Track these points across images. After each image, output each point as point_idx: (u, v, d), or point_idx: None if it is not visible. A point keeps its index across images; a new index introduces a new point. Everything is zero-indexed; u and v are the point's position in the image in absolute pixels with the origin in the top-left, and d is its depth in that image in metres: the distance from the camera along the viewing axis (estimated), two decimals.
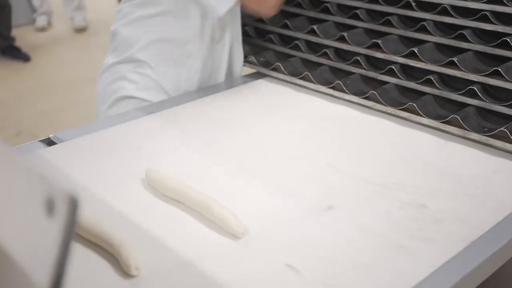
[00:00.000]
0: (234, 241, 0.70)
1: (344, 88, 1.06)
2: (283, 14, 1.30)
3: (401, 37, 1.10)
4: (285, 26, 1.23)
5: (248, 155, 0.91)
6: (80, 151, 0.93)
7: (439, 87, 0.98)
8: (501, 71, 0.92)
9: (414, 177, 0.83)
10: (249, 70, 1.25)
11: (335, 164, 0.87)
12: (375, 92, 1.02)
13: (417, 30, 1.07)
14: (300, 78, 1.14)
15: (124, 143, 0.95)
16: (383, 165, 0.87)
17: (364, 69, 1.09)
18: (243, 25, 1.31)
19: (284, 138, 0.96)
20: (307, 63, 1.19)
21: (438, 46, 1.05)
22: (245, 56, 1.26)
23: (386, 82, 1.06)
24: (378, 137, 0.96)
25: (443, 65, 0.99)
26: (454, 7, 1.04)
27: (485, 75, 0.94)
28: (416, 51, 1.02)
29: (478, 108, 0.95)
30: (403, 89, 1.05)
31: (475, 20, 1.01)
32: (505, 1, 0.97)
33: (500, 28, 0.98)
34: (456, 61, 0.97)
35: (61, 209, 0.32)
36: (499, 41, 0.96)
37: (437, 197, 0.78)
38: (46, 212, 0.33)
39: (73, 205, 0.31)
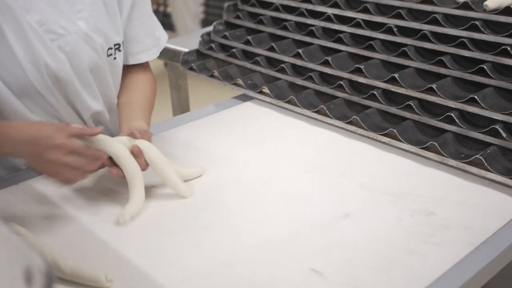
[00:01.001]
0: (262, 248, 0.77)
1: (328, 113, 1.09)
2: (270, 37, 1.33)
3: (384, 62, 1.12)
4: (272, 49, 1.26)
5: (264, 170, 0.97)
6: None
7: (419, 113, 1.01)
8: (477, 99, 0.94)
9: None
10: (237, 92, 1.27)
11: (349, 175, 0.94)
12: (358, 117, 1.04)
13: (399, 55, 1.10)
14: (286, 102, 1.17)
15: None
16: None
17: (348, 93, 1.11)
18: (233, 47, 1.34)
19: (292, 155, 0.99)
20: (293, 86, 1.22)
21: (419, 71, 1.07)
22: (233, 78, 1.28)
23: (369, 107, 1.09)
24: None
25: (423, 91, 1.01)
26: (434, 33, 1.07)
27: (463, 102, 0.96)
28: (396, 77, 1.04)
29: (456, 134, 0.97)
30: (385, 114, 1.07)
31: (454, 46, 1.03)
32: (482, 29, 1.00)
33: (477, 55, 1.00)
34: (435, 88, 0.99)
35: (38, 281, 0.34)
36: (477, 67, 0.99)
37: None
38: (25, 282, 0.35)
39: (49, 278, 0.34)
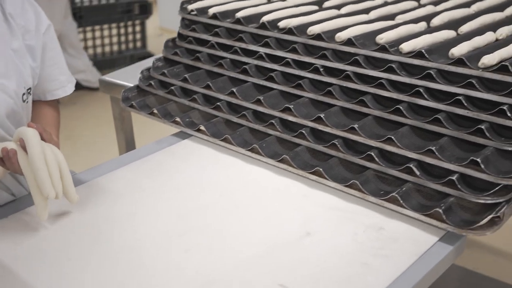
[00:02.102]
0: (238, 268, 0.86)
1: (260, 151, 1.15)
2: (207, 74, 1.38)
3: (312, 100, 1.19)
4: (209, 87, 1.31)
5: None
6: None
7: (343, 151, 1.08)
8: (394, 139, 1.01)
9: None
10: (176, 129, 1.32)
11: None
12: (287, 156, 1.10)
13: (326, 94, 1.17)
14: (222, 140, 1.22)
15: None
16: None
17: (279, 131, 1.17)
18: (172, 84, 1.38)
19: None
20: (230, 123, 1.27)
21: (344, 110, 1.14)
22: (172, 116, 1.33)
23: (300, 144, 1.15)
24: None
25: (346, 130, 1.08)
26: (356, 74, 1.14)
27: (382, 141, 1.04)
28: (322, 117, 1.11)
29: (376, 171, 1.04)
30: (314, 151, 1.13)
31: (374, 86, 1.11)
32: (396, 69, 1.08)
33: (394, 95, 1.08)
34: (356, 128, 1.06)
35: None
36: (394, 107, 1.07)
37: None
38: None
39: None
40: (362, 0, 1.54)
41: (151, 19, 4.35)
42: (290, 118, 1.17)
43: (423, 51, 1.06)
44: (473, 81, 0.99)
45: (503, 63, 0.98)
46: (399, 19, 1.36)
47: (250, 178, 1.13)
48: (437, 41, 1.16)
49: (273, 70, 1.26)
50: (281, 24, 1.28)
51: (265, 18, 1.33)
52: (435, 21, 1.32)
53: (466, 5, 1.50)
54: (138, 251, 0.92)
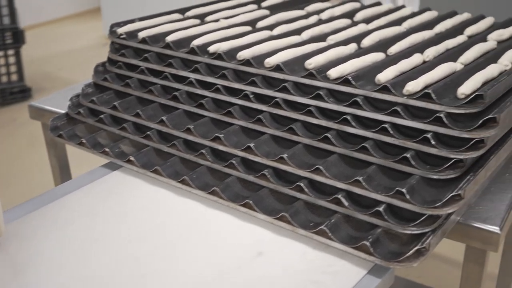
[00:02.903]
0: None
1: (190, 183, 1.12)
2: (138, 100, 1.34)
3: (244, 128, 1.17)
4: (139, 115, 1.27)
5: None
6: None
7: (273, 181, 1.06)
8: (322, 169, 1.00)
9: None
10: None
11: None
12: (217, 188, 1.08)
13: (256, 122, 1.15)
14: (152, 171, 1.18)
15: None
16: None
17: (209, 161, 1.15)
18: (101, 112, 1.34)
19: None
20: (161, 153, 1.24)
21: (275, 138, 1.13)
22: (103, 146, 1.28)
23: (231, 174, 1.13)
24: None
25: (276, 160, 1.07)
26: (285, 101, 1.13)
27: (311, 171, 1.02)
28: (251, 146, 1.09)
29: (306, 202, 1.03)
30: (246, 182, 1.11)
31: (304, 114, 1.09)
32: (325, 98, 1.07)
33: (323, 122, 1.07)
34: (285, 157, 1.05)
35: None
36: (323, 136, 1.06)
37: None
38: None
39: None
40: (296, 19, 1.53)
41: (94, 27, 4.26)
42: (221, 148, 1.14)
43: (349, 78, 1.06)
44: (398, 109, 0.99)
45: (426, 90, 0.98)
46: (331, 39, 1.35)
47: (181, 210, 1.09)
48: (365, 65, 1.16)
49: (204, 97, 1.23)
50: (211, 49, 1.26)
51: (195, 43, 1.30)
52: (366, 42, 1.32)
53: (398, 22, 1.51)
54: None
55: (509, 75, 1.06)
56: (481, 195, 1.07)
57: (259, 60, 1.19)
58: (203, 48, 1.27)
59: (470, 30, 1.43)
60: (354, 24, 1.50)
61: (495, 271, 1.67)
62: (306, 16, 1.58)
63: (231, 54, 1.23)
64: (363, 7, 1.72)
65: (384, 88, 1.03)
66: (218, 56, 1.23)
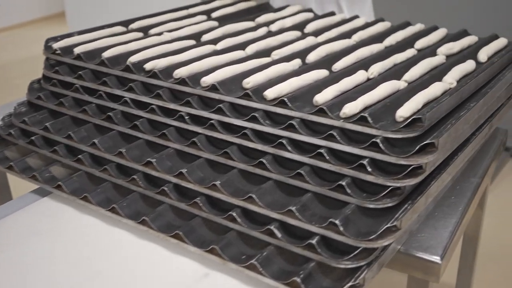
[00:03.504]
0: None
1: (120, 211, 1.05)
2: (73, 121, 1.27)
3: (179, 152, 1.11)
4: (71, 137, 1.20)
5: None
6: None
7: (206, 210, 1.00)
8: (254, 198, 0.94)
9: None
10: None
11: None
12: (147, 218, 1.01)
13: (191, 145, 1.08)
14: (82, 198, 1.11)
15: None
16: None
17: (142, 187, 1.08)
18: (33, 133, 1.26)
19: None
20: (94, 178, 1.17)
21: (210, 162, 1.07)
22: (33, 170, 1.21)
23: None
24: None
25: (209, 187, 1.00)
26: (221, 123, 1.07)
27: (244, 199, 0.96)
28: (184, 172, 1.03)
29: (240, 232, 0.97)
30: (179, 211, 1.05)
31: (240, 137, 1.04)
32: (261, 121, 1.01)
33: (259, 146, 1.01)
34: (218, 184, 0.99)
35: None
36: (258, 161, 1.00)
37: None
38: None
39: None
40: (243, 32, 1.48)
41: (60, 32, 4.17)
42: (153, 173, 1.08)
43: (285, 99, 1.00)
44: (334, 133, 0.94)
45: (362, 114, 0.93)
46: (275, 54, 1.30)
47: (110, 240, 1.03)
48: (305, 84, 1.11)
49: (140, 117, 1.17)
50: (147, 66, 1.19)
51: (131, 59, 1.24)
52: (311, 57, 1.27)
53: (349, 34, 1.46)
54: None
55: (451, 95, 1.01)
56: (425, 221, 1.03)
57: (195, 78, 1.13)
58: (139, 66, 1.20)
59: (421, 43, 1.38)
60: (304, 36, 1.45)
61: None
62: (255, 28, 1.53)
63: (168, 72, 1.17)
64: (316, 18, 1.67)
65: (321, 110, 0.98)
66: (153, 74, 1.16)
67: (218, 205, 1.02)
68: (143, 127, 1.15)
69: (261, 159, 0.99)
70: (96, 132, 1.22)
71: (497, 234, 2.47)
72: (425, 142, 0.89)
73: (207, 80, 1.11)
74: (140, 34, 1.47)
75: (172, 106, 1.12)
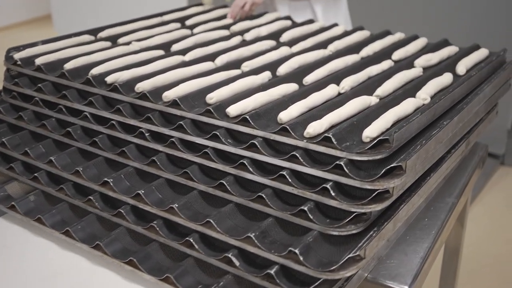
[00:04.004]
0: None
1: (74, 235, 0.99)
2: (33, 136, 1.21)
3: (140, 171, 1.05)
4: (28, 153, 1.14)
5: None
6: None
7: (163, 235, 0.94)
8: (212, 223, 0.89)
9: None
10: None
11: None
12: (100, 243, 0.95)
13: (151, 164, 1.03)
14: (36, 220, 1.05)
15: None
16: None
17: (98, 209, 1.02)
18: None
19: None
20: (51, 198, 1.11)
21: (171, 183, 1.01)
22: None
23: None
24: None
25: (167, 210, 0.95)
26: (183, 141, 1.01)
27: (203, 224, 0.91)
28: (141, 193, 0.97)
29: (197, 259, 0.91)
30: (137, 235, 0.99)
31: (200, 156, 0.98)
32: (223, 139, 0.96)
33: (220, 166, 0.96)
34: (175, 208, 0.93)
35: None
36: (218, 183, 0.94)
37: None
38: None
39: None
40: (216, 41, 1.42)
41: (46, 34, 4.08)
42: (110, 194, 1.02)
43: (247, 117, 0.95)
44: (297, 154, 0.88)
45: (326, 134, 0.88)
46: (246, 66, 1.24)
47: (64, 266, 0.97)
48: (272, 99, 1.05)
49: (100, 133, 1.11)
50: (109, 79, 1.14)
51: (93, 72, 1.18)
52: (282, 70, 1.22)
53: (325, 44, 1.41)
54: None
55: (423, 112, 0.96)
56: (395, 246, 0.97)
57: (158, 93, 1.07)
58: (101, 78, 1.15)
59: (398, 54, 1.33)
60: (278, 46, 1.40)
61: None
62: (228, 37, 1.47)
63: (130, 85, 1.11)
64: (294, 26, 1.61)
65: (285, 129, 0.92)
66: (115, 87, 1.11)
67: (177, 229, 0.96)
68: (103, 144, 1.09)
69: (221, 180, 0.94)
70: (56, 148, 1.16)
71: (486, 244, 2.42)
72: (391, 166, 0.84)
73: (168, 95, 1.06)
74: (108, 44, 1.41)
75: (132, 122, 1.07)
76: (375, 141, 0.87)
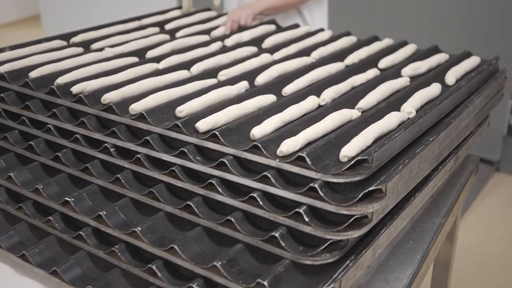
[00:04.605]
0: None
1: (30, 259, 0.92)
2: None
3: (104, 189, 0.98)
4: None
5: None
6: None
7: (124, 260, 0.87)
8: (177, 249, 0.82)
9: None
10: None
11: None
12: (58, 269, 0.88)
13: (116, 182, 0.96)
14: None
15: None
16: None
17: (59, 230, 0.95)
18: None
19: None
20: (10, 217, 1.04)
21: (137, 203, 0.94)
22: None
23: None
24: None
25: (129, 234, 0.88)
26: (149, 157, 0.94)
27: (167, 250, 0.84)
28: (102, 215, 0.90)
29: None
30: (98, 259, 0.92)
31: (167, 174, 0.91)
32: (191, 157, 0.89)
33: (188, 186, 0.89)
34: (138, 231, 0.86)
35: None
36: (185, 204, 0.87)
37: None
38: None
39: None
40: (195, 47, 1.35)
41: (35, 34, 4.00)
42: (71, 214, 0.95)
43: (217, 132, 0.88)
44: (269, 174, 0.81)
45: (300, 153, 0.81)
46: (222, 75, 1.17)
47: None
48: (247, 112, 0.98)
49: (63, 148, 1.04)
50: (75, 89, 1.07)
51: (59, 81, 1.11)
52: (260, 79, 1.15)
53: (309, 50, 1.34)
54: None
55: (407, 128, 0.88)
56: (376, 272, 0.90)
57: (125, 105, 1.00)
58: (66, 88, 1.07)
59: (385, 62, 1.26)
60: (259, 53, 1.32)
61: None
62: (208, 43, 1.40)
63: (96, 96, 1.04)
64: (278, 31, 1.54)
65: (257, 147, 0.85)
66: (80, 99, 1.04)
67: (141, 255, 0.89)
68: (66, 159, 1.02)
69: (188, 202, 0.87)
70: (18, 163, 1.09)
71: (479, 255, 2.36)
72: (369, 189, 0.76)
73: (135, 107, 0.98)
74: (80, 50, 1.34)
75: (97, 136, 0.99)
76: (353, 161, 0.80)
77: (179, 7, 1.81)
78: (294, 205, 0.80)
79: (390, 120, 0.92)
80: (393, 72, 1.21)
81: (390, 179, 0.79)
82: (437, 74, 1.19)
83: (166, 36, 1.46)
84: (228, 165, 0.85)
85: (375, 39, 1.46)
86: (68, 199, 0.94)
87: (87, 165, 0.98)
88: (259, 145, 0.84)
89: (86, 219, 0.92)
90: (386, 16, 2.96)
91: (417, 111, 0.99)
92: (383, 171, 0.83)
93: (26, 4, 5.57)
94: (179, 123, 0.91)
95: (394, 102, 1.02)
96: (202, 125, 0.91)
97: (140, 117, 0.96)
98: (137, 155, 0.94)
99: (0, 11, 5.43)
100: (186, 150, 0.89)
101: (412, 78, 1.19)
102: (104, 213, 0.90)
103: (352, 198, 0.77)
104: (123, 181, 0.94)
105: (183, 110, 0.97)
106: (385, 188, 0.78)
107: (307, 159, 0.80)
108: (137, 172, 0.95)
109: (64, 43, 1.39)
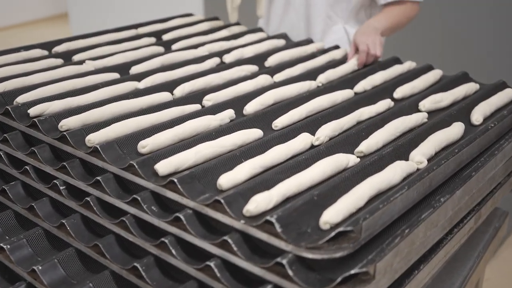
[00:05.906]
0: None
1: None
2: None
3: (49, 234, 0.83)
4: None
5: None
6: None
7: None
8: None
9: None
10: None
11: None
12: None
13: (61, 227, 0.81)
14: None
15: None
16: None
17: None
18: None
19: None
20: None
21: (81, 255, 0.79)
22: None
23: None
24: None
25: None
26: (100, 201, 0.79)
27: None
28: (37, 270, 0.75)
29: None
30: None
31: (117, 225, 0.76)
32: (144, 206, 0.73)
33: (139, 241, 0.73)
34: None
35: None
36: (132, 265, 0.72)
37: None
38: None
39: None
40: (188, 63, 1.19)
41: (62, 32, 3.94)
42: (7, 263, 0.80)
43: (175, 179, 0.72)
44: (230, 240, 0.65)
45: (268, 217, 0.64)
46: (208, 100, 1.01)
47: None
48: (222, 152, 0.82)
49: (15, 179, 0.90)
50: (32, 111, 0.92)
51: (19, 99, 0.97)
52: (249, 108, 0.98)
53: (314, 73, 1.17)
54: None
55: (411, 186, 0.71)
56: None
57: (83, 134, 0.85)
58: (23, 110, 0.93)
59: (402, 91, 1.08)
60: (258, 73, 1.16)
61: None
62: (204, 59, 1.24)
63: (53, 122, 0.89)
64: (287, 46, 1.37)
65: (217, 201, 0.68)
66: (36, 124, 0.89)
67: None
68: (14, 193, 0.88)
69: (136, 264, 0.71)
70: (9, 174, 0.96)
71: None
72: (352, 272, 0.59)
73: (92, 138, 0.83)
74: (59, 61, 1.20)
75: (48, 169, 0.85)
76: (336, 231, 0.63)
77: (188, 14, 1.66)
78: (259, 280, 0.64)
79: (393, 173, 0.74)
80: (409, 104, 1.02)
81: (381, 257, 0.61)
82: (461, 110, 1.00)
83: (159, 49, 1.31)
84: (185, 221, 0.69)
85: (395, 61, 1.27)
86: (3, 245, 0.80)
87: (33, 204, 0.83)
88: (222, 200, 0.67)
89: (20, 271, 0.78)
90: (411, 35, 2.68)
91: (430, 159, 0.81)
92: (375, 243, 0.65)
93: (55, 2, 5.54)
94: (134, 163, 0.76)
95: (403, 146, 0.84)
96: (162, 167, 0.75)
97: (96, 151, 0.81)
98: (87, 198, 0.79)
99: (29, 8, 5.41)
100: (139, 198, 0.73)
101: (432, 112, 1.00)
102: (40, 268, 0.75)
103: (330, 281, 0.60)
104: (68, 228, 0.79)
105: (146, 146, 0.82)
106: (374, 269, 0.60)
107: (276, 226, 0.63)
108: (87, 217, 0.80)
109: (44, 52, 1.26)
